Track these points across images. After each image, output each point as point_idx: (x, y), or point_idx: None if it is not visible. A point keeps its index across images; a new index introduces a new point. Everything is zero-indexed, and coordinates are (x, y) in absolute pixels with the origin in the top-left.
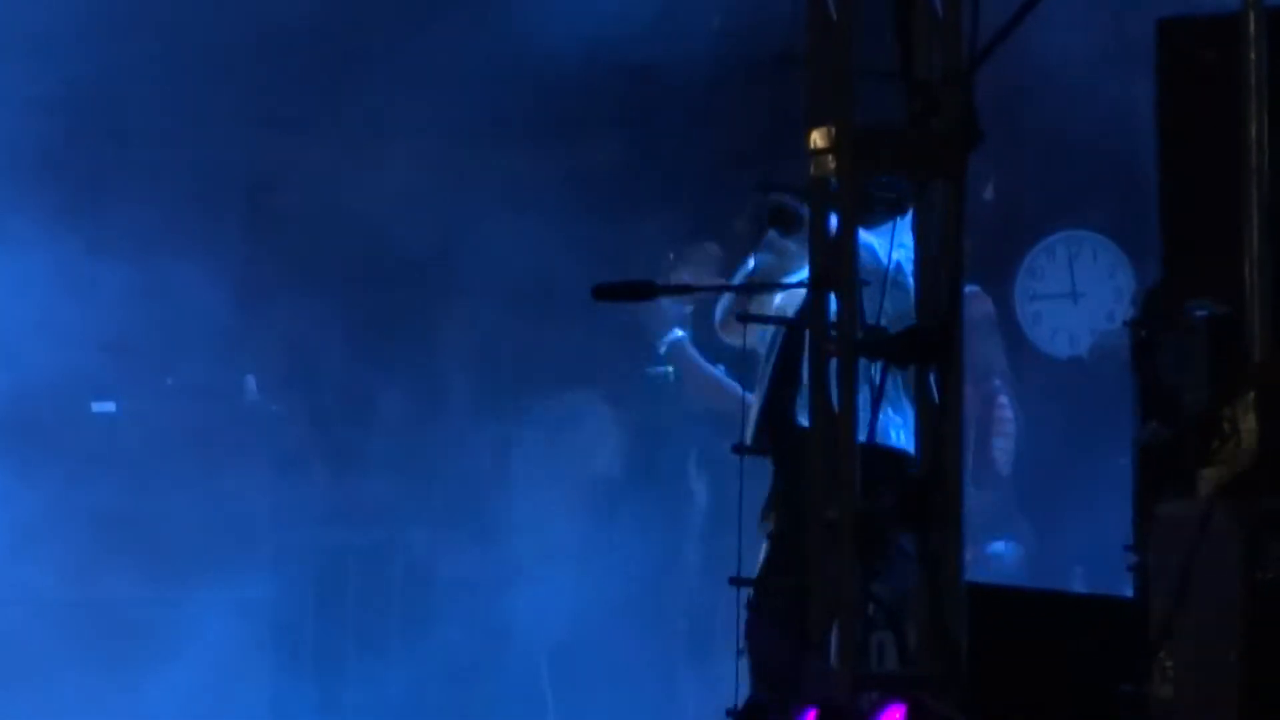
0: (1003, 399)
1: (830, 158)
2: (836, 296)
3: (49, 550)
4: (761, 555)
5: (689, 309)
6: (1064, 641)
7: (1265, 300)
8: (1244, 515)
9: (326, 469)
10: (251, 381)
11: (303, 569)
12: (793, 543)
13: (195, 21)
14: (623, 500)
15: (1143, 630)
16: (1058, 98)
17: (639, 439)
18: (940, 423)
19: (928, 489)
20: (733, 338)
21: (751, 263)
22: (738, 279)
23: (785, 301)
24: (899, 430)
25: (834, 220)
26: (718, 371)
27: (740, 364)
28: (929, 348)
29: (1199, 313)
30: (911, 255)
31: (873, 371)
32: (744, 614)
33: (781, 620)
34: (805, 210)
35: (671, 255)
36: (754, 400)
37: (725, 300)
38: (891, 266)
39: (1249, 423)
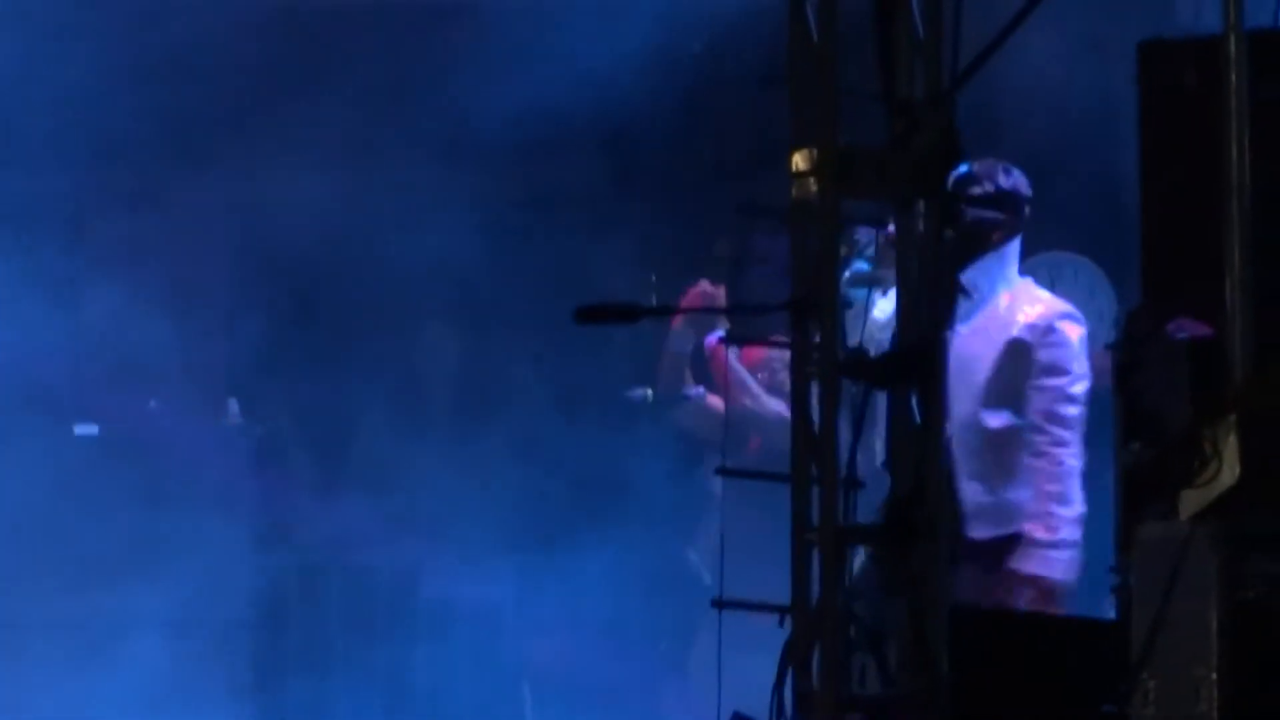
0: None
1: (812, 180)
2: (818, 318)
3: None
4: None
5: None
6: (1046, 662)
7: (1246, 322)
8: (1225, 537)
9: (308, 491)
10: (234, 404)
11: (283, 590)
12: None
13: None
14: (602, 521)
15: (1125, 651)
16: (1039, 118)
17: (617, 460)
18: (923, 442)
19: (910, 508)
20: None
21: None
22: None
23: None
24: None
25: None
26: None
27: None
28: (912, 368)
29: (1180, 335)
30: None
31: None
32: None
33: None
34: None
35: (653, 277)
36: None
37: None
38: None
39: (1230, 445)
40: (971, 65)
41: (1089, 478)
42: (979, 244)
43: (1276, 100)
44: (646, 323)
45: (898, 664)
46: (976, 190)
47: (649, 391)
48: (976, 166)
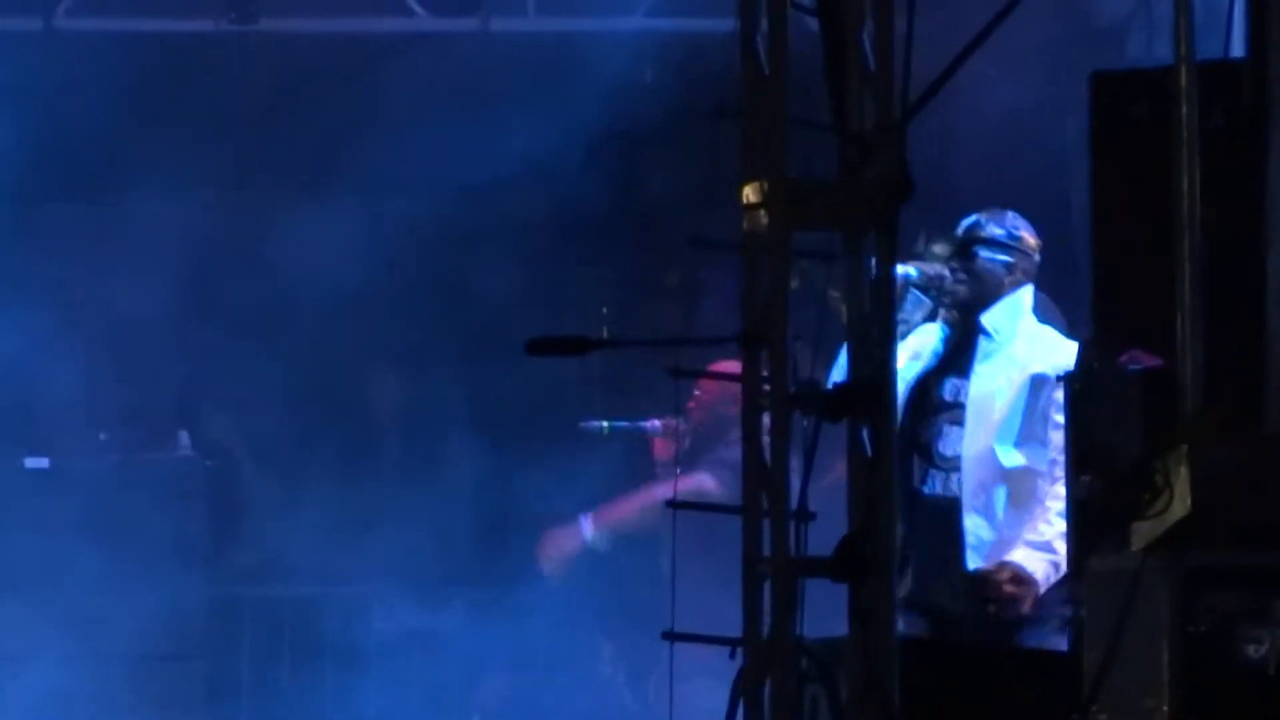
0: None
1: (763, 212)
2: (768, 351)
3: None
4: None
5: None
6: (998, 695)
7: (1197, 353)
8: (1175, 569)
9: (258, 523)
10: (185, 436)
11: (233, 622)
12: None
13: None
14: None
15: (1076, 683)
16: (989, 149)
17: (571, 491)
18: (872, 476)
19: (860, 542)
20: None
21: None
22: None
23: (919, 343)
24: None
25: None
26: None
27: None
28: (862, 402)
29: (1132, 366)
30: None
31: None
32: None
33: None
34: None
35: (605, 309)
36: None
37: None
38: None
39: (1181, 476)
40: (923, 96)
41: None
42: (993, 289)
43: (1227, 131)
44: (599, 353)
45: (848, 698)
46: (986, 236)
47: (605, 424)
48: (985, 215)
